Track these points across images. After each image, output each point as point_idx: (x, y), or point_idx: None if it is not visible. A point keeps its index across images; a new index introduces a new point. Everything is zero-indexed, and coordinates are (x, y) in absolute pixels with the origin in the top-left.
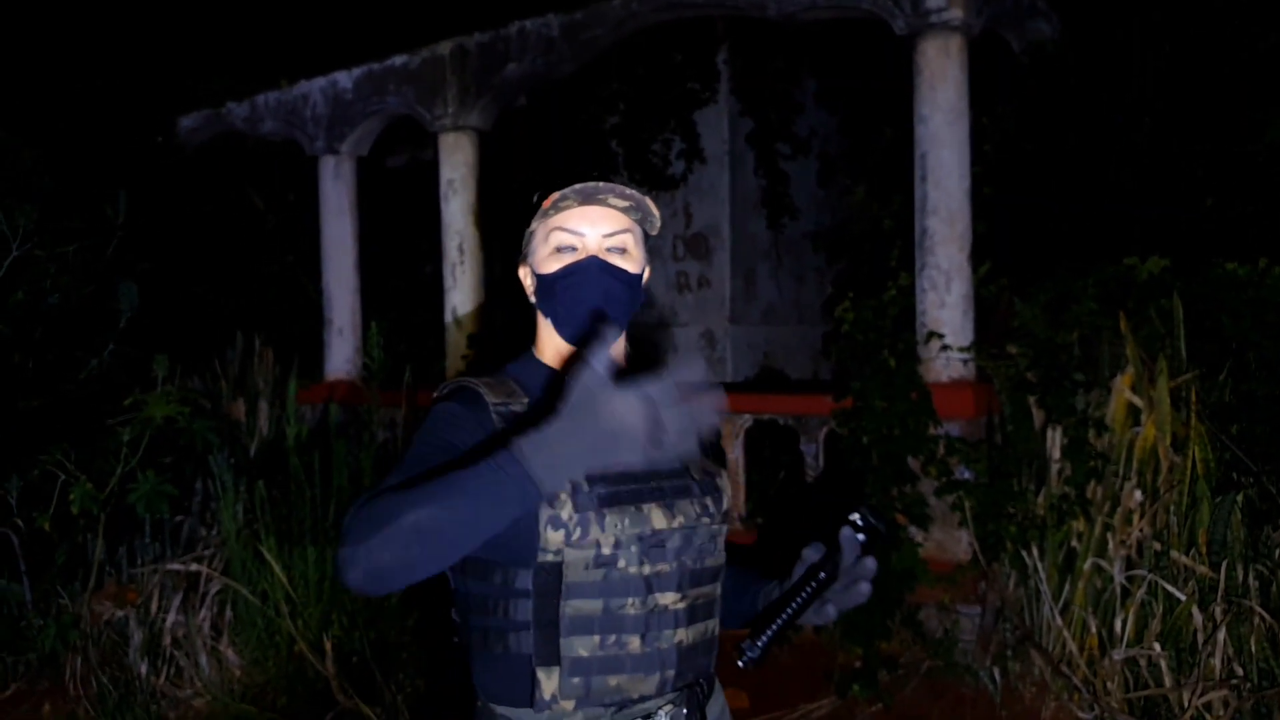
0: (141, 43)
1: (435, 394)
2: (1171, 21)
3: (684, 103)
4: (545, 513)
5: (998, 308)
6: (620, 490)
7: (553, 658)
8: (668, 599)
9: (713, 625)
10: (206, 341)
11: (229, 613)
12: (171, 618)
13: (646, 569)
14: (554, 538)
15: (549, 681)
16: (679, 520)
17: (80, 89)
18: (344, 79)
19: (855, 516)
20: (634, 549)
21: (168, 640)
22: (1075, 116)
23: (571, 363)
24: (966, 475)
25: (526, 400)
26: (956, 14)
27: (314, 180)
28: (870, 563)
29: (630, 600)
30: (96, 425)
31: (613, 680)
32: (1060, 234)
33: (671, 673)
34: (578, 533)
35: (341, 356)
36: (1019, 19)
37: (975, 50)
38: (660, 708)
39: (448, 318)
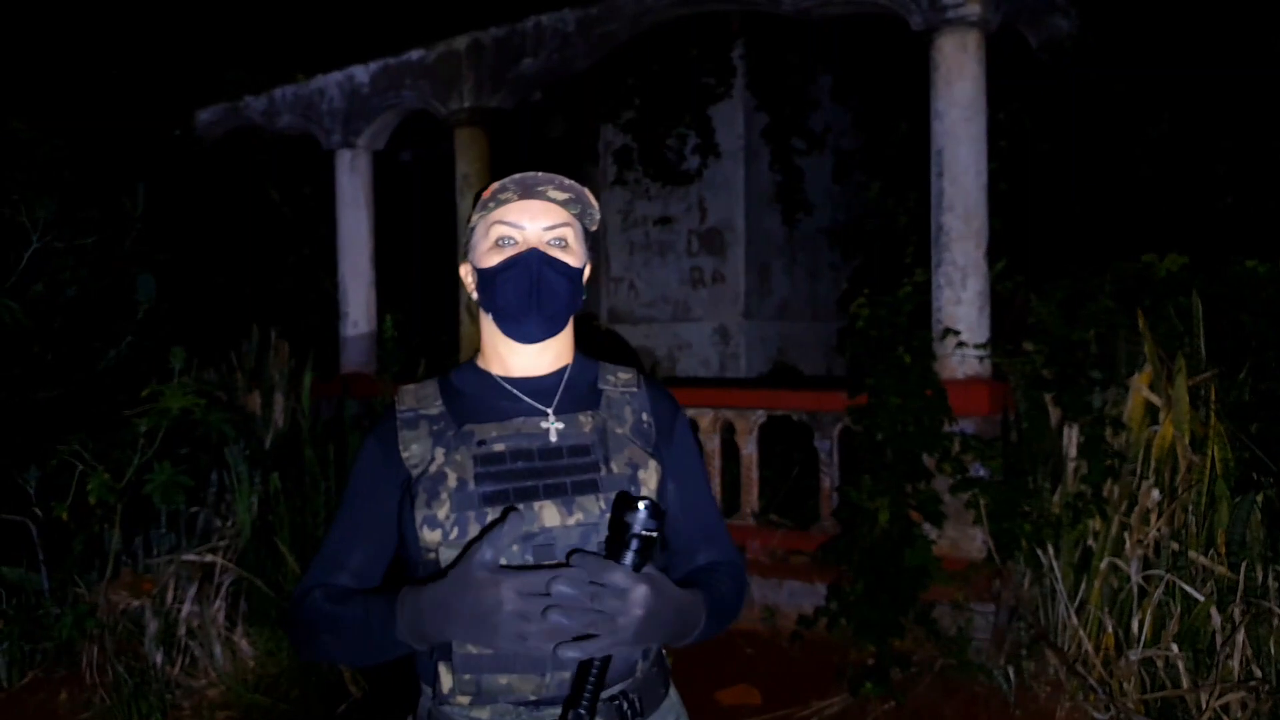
0: (160, 37)
1: None
2: (1191, 17)
3: (699, 98)
4: (421, 512)
5: (1014, 304)
6: (508, 488)
7: (446, 653)
8: None
9: None
10: (222, 333)
11: (243, 603)
12: (186, 608)
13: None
14: (430, 537)
15: (446, 676)
16: (577, 518)
17: (99, 82)
18: (360, 73)
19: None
20: (516, 548)
21: (182, 630)
22: (1093, 112)
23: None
24: (981, 473)
25: (440, 404)
26: (974, 9)
27: (330, 174)
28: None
29: None
30: (114, 416)
31: (503, 679)
32: (1077, 231)
33: (566, 674)
34: (455, 532)
35: (357, 349)
36: (1037, 14)
37: (992, 46)
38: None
39: (462, 311)
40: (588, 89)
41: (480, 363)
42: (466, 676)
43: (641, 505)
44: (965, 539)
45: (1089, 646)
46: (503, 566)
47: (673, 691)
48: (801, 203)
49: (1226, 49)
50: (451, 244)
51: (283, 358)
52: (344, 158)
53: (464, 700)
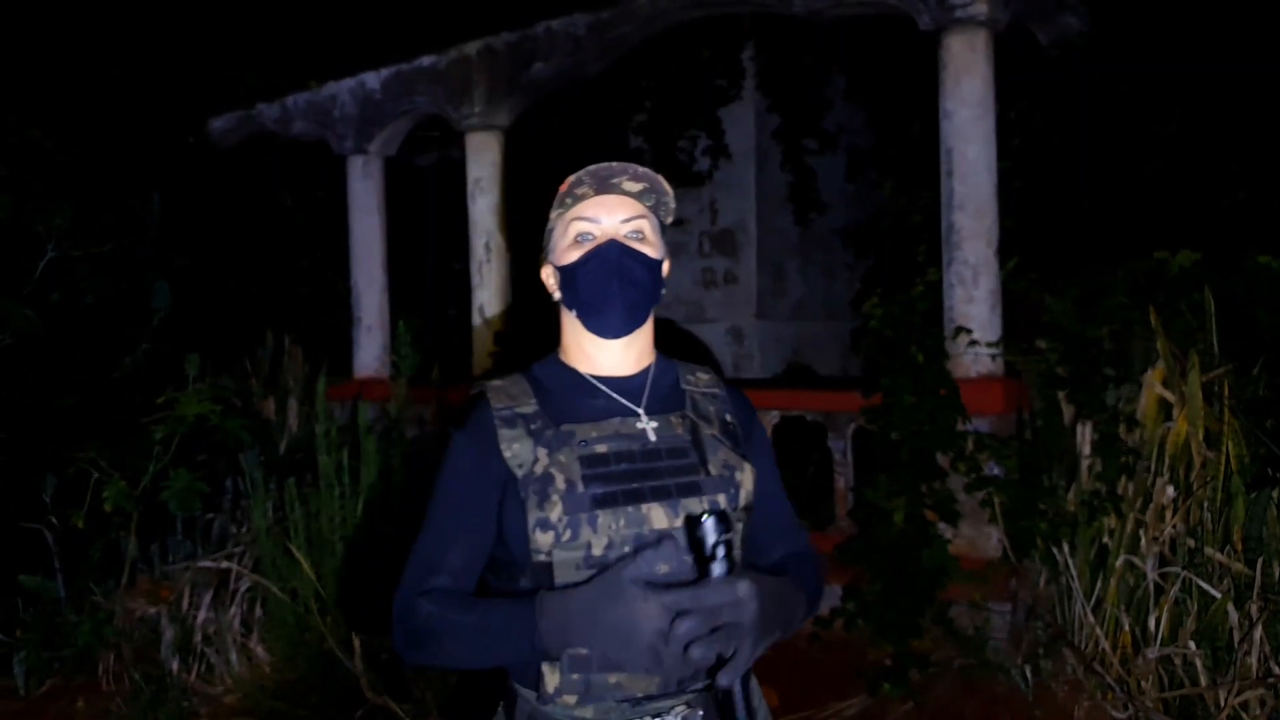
0: (173, 45)
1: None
2: (1201, 14)
3: (710, 99)
4: (533, 515)
5: (1026, 302)
6: (617, 490)
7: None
8: None
9: None
10: (237, 339)
11: (259, 610)
12: (203, 615)
13: None
14: (543, 539)
15: (552, 676)
16: (683, 519)
17: (114, 90)
18: (372, 80)
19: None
20: (629, 549)
21: (199, 637)
22: (1104, 109)
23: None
24: (996, 471)
25: (535, 402)
26: (982, 8)
27: (343, 179)
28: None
29: None
30: (130, 423)
31: (612, 678)
32: (1090, 228)
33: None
34: (567, 534)
35: (370, 354)
36: (1046, 13)
37: (1002, 44)
38: (673, 707)
39: (475, 316)
40: (600, 92)
41: (564, 358)
42: (575, 676)
43: (706, 518)
44: (981, 538)
45: (1106, 645)
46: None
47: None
48: (814, 203)
49: (1238, 45)
50: (464, 248)
51: (297, 363)
52: (356, 163)
53: (570, 699)
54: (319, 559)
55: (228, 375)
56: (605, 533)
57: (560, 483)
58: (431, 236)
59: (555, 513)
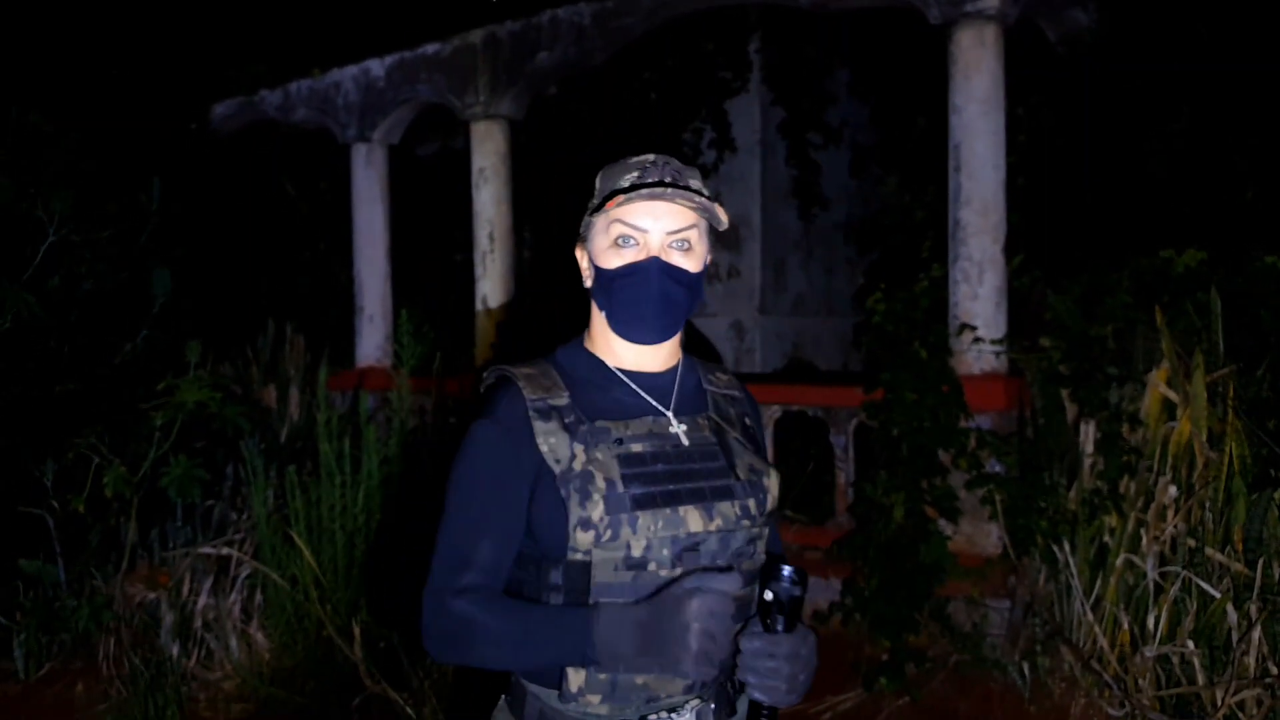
0: (176, 30)
1: (481, 383)
2: (1210, 10)
3: (715, 92)
4: (575, 513)
5: (1031, 300)
6: (656, 491)
7: None
8: None
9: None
10: (239, 327)
11: (259, 597)
12: (202, 601)
13: (678, 572)
14: (584, 538)
15: (576, 675)
16: (717, 523)
17: (115, 76)
18: (376, 67)
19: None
20: (666, 552)
21: (198, 623)
22: (1112, 107)
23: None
24: (997, 468)
25: (567, 394)
26: (992, 3)
27: (346, 168)
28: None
29: None
30: (130, 410)
31: (640, 679)
32: (1095, 226)
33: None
34: (608, 534)
35: (372, 343)
36: (1055, 8)
37: (1010, 40)
38: (687, 702)
39: (478, 305)
40: (604, 83)
41: (590, 347)
42: (602, 677)
43: (786, 569)
44: (981, 535)
45: (1104, 643)
46: (647, 570)
47: None
48: (818, 197)
49: (1247, 43)
50: (467, 238)
51: (298, 352)
52: (359, 152)
53: (594, 699)
54: (319, 547)
55: (228, 363)
56: (644, 534)
57: (600, 481)
58: (434, 226)
59: (597, 512)
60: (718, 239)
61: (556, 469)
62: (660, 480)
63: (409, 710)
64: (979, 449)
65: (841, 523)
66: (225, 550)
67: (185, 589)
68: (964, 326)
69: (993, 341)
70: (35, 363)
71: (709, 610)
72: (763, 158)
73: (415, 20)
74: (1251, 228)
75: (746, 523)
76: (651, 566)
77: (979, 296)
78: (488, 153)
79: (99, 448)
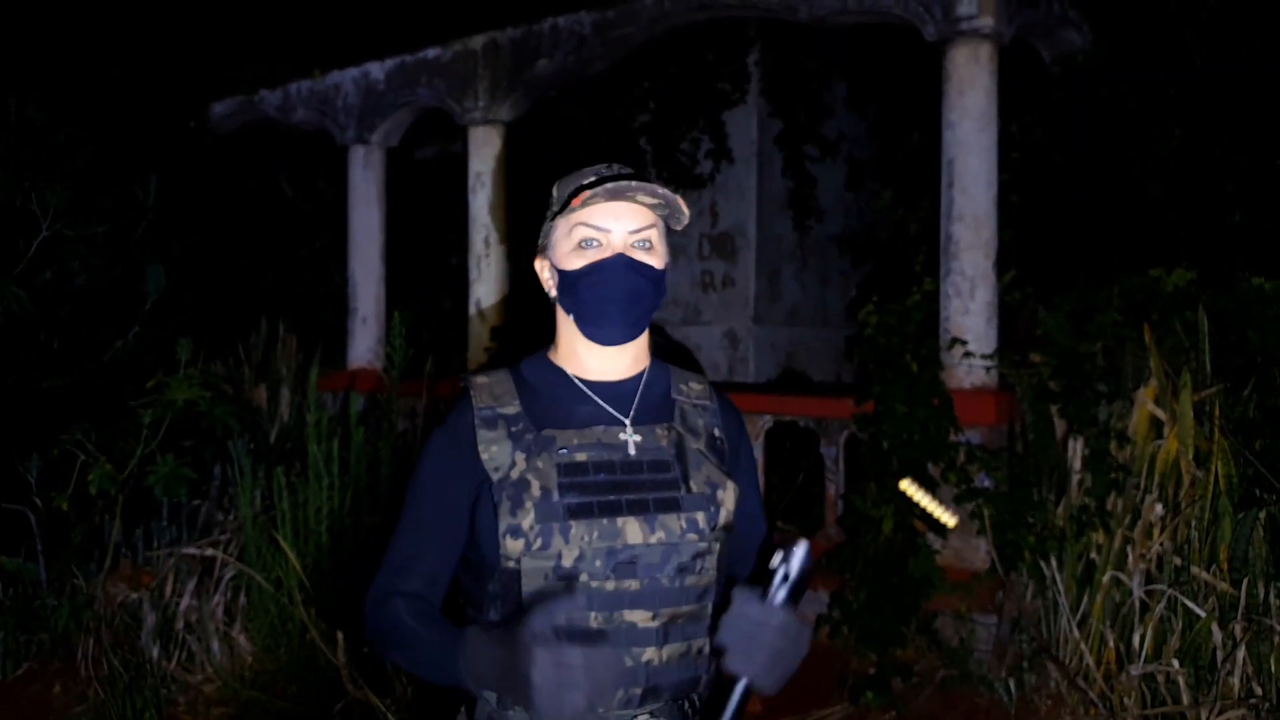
0: (177, 28)
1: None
2: (1202, 34)
3: (714, 102)
4: (505, 520)
5: (1022, 316)
6: (592, 501)
7: None
8: (636, 616)
9: (699, 643)
10: (232, 326)
11: (243, 599)
12: (185, 602)
13: (611, 585)
14: (513, 546)
15: (491, 694)
16: (659, 536)
17: (115, 72)
18: (376, 70)
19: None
20: (600, 563)
21: (181, 624)
22: (1104, 126)
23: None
24: (986, 483)
25: (518, 403)
26: (987, 22)
27: (344, 169)
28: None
29: (593, 615)
30: (118, 406)
31: None
32: (1086, 244)
33: (638, 690)
34: (538, 543)
35: (365, 345)
36: (1050, 28)
37: (1005, 58)
38: (635, 717)
39: (472, 309)
40: (603, 91)
41: (554, 357)
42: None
43: (802, 547)
44: (969, 549)
45: (1090, 660)
46: (579, 581)
47: None
48: (813, 209)
49: (1238, 65)
50: (462, 242)
51: (290, 352)
52: (358, 154)
53: (521, 712)
54: (305, 549)
55: (220, 361)
56: (577, 544)
57: (535, 490)
58: (430, 229)
59: (527, 520)
60: (713, 248)
61: (494, 477)
62: (600, 490)
63: (391, 716)
64: (968, 463)
65: (831, 534)
66: (210, 551)
67: (168, 589)
68: (955, 341)
69: (983, 356)
70: (24, 357)
71: (554, 662)
72: (759, 169)
73: (416, 24)
74: (1239, 249)
75: (693, 536)
76: (584, 578)
77: (970, 311)
78: (485, 158)
79: (85, 444)
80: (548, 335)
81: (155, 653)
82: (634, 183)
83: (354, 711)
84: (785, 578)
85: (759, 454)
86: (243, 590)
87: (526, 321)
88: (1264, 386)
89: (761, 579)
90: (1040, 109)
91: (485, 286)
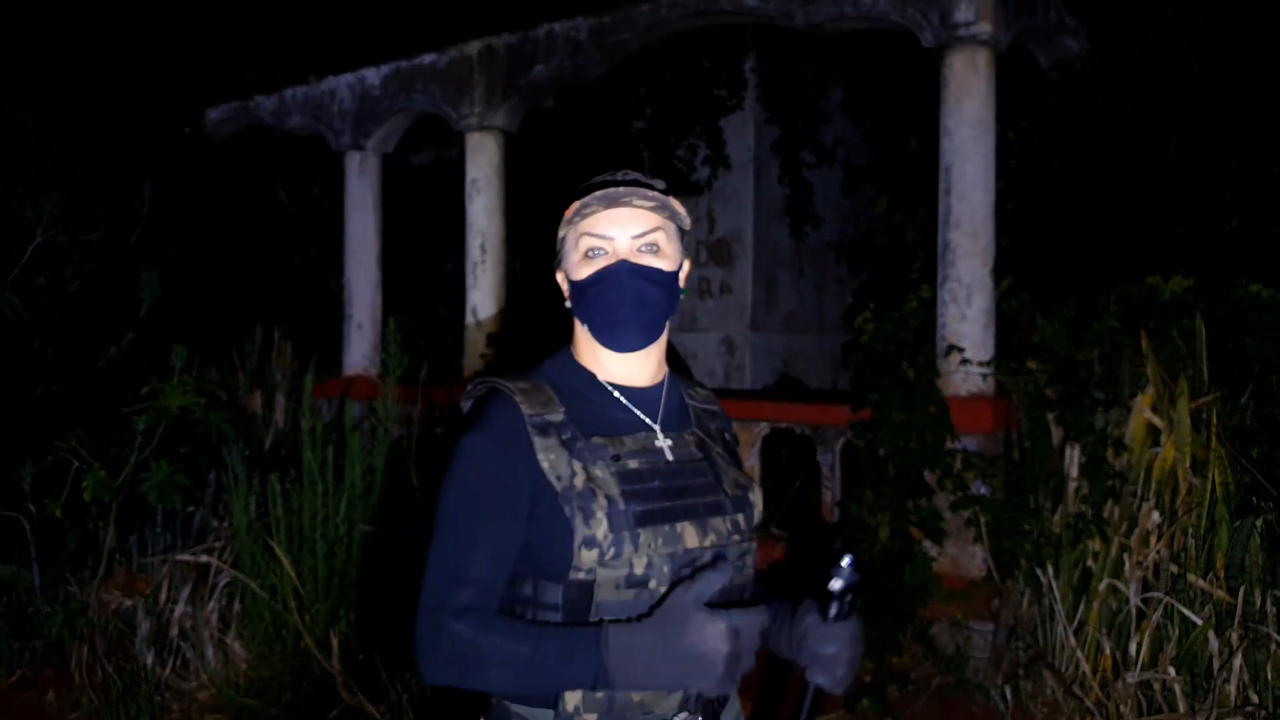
0: (172, 33)
1: (465, 394)
2: (1199, 42)
3: (710, 109)
4: (580, 532)
5: (1019, 323)
6: (654, 509)
7: None
8: None
9: None
10: (226, 332)
11: (237, 606)
12: (180, 609)
13: None
14: (588, 557)
15: (573, 694)
16: (711, 539)
17: (110, 78)
18: (372, 76)
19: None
20: (665, 569)
21: (175, 631)
22: (1101, 134)
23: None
24: (983, 490)
25: (562, 410)
26: (985, 28)
27: (339, 175)
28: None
29: None
30: (112, 413)
31: (636, 696)
32: (1084, 251)
33: (695, 693)
34: (611, 552)
35: (360, 351)
36: (1047, 35)
37: (1003, 65)
38: (676, 716)
39: (468, 316)
40: (600, 97)
41: (578, 358)
42: (599, 695)
43: (847, 561)
44: (965, 557)
45: (1087, 668)
46: (648, 588)
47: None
48: (810, 216)
49: (1235, 72)
50: (458, 248)
51: (285, 358)
52: (353, 160)
53: (591, 717)
54: (300, 556)
55: (215, 368)
56: (645, 552)
57: (602, 499)
58: (425, 236)
59: (601, 530)
60: (710, 255)
61: (558, 486)
62: (658, 497)
63: None
64: (965, 470)
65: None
66: (204, 558)
67: (163, 596)
68: (952, 348)
69: (980, 363)
70: (18, 363)
71: (736, 630)
72: (756, 175)
73: (412, 30)
74: (1236, 256)
75: (737, 537)
76: (652, 584)
77: (967, 318)
78: (481, 164)
79: (79, 451)
80: (545, 341)
81: (149, 660)
82: (624, 189)
83: (349, 719)
84: (843, 593)
85: (755, 461)
86: (237, 597)
87: (523, 328)
88: (1261, 394)
89: (820, 596)
90: (1037, 115)
91: (481, 293)
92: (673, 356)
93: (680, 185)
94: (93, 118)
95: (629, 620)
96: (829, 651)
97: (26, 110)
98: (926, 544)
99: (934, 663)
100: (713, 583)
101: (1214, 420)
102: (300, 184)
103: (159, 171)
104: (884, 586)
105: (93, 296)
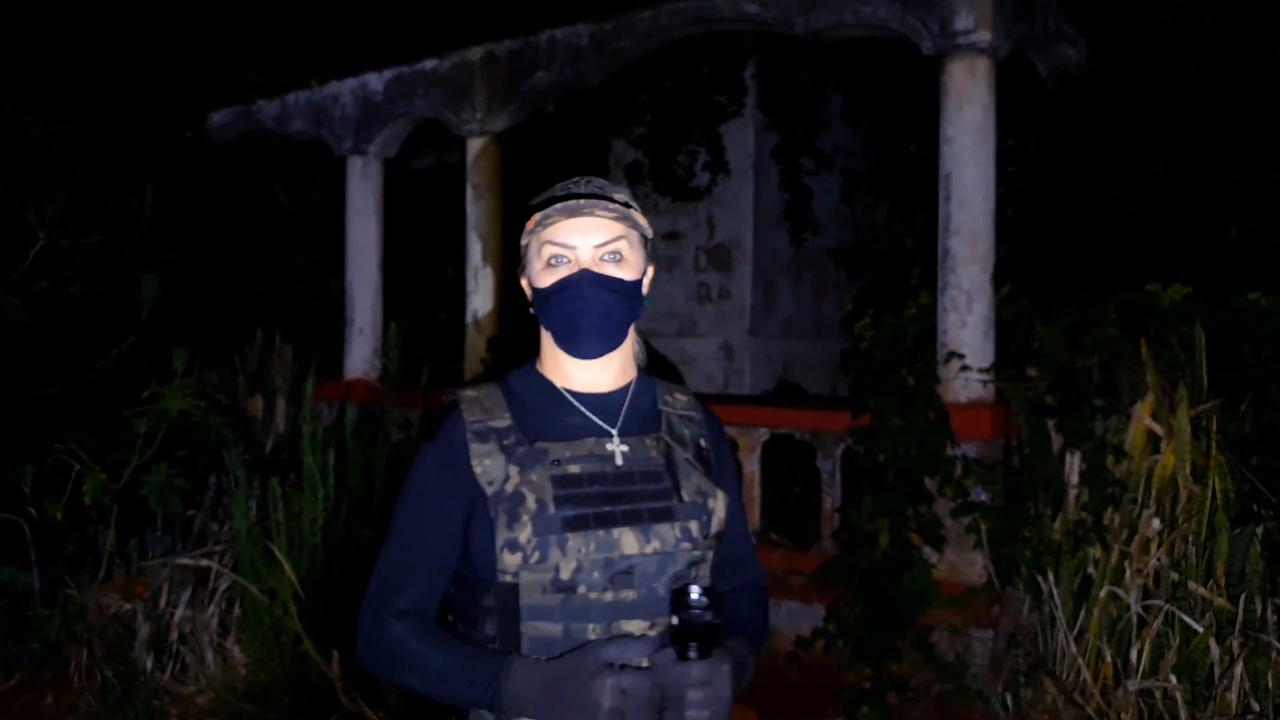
0: (175, 37)
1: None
2: (1198, 49)
3: (710, 115)
4: (502, 535)
5: (1018, 330)
6: (588, 513)
7: None
8: (633, 626)
9: None
10: (227, 336)
11: (237, 610)
12: (179, 613)
13: (610, 596)
14: (511, 560)
15: (488, 714)
16: (654, 546)
17: (112, 82)
18: (374, 81)
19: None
20: (598, 575)
21: (174, 635)
22: (1100, 141)
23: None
24: (983, 497)
25: (509, 416)
26: (984, 36)
27: (341, 179)
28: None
29: (591, 626)
30: (113, 416)
31: None
32: (1083, 258)
33: None
34: (535, 556)
35: (360, 356)
36: (1046, 43)
37: (1002, 73)
38: None
39: (468, 320)
40: (600, 103)
41: (541, 369)
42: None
43: (694, 593)
44: (965, 564)
45: (1087, 676)
46: (577, 593)
47: None
48: (809, 222)
49: (1234, 78)
50: (458, 253)
51: (286, 362)
52: (355, 164)
53: None
54: (300, 560)
55: (215, 371)
56: (574, 556)
57: (531, 503)
58: (427, 239)
59: (524, 534)
60: (709, 260)
61: (489, 491)
62: (594, 501)
63: None
64: (964, 477)
65: (826, 548)
66: (204, 562)
67: (162, 600)
68: (952, 354)
69: (980, 370)
70: (19, 366)
71: (621, 690)
72: (755, 181)
73: (414, 35)
74: (1235, 264)
75: (687, 545)
76: (581, 589)
77: (967, 325)
78: (482, 169)
79: (79, 454)
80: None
81: (148, 663)
82: (584, 200)
83: None
84: (691, 632)
85: (755, 467)
86: (237, 601)
87: (523, 333)
88: (1260, 402)
89: (673, 636)
90: (1037, 123)
91: (481, 297)
92: (662, 364)
93: (680, 191)
94: (93, 118)
95: (539, 659)
96: (684, 695)
97: (28, 112)
98: (926, 550)
99: (933, 670)
100: (627, 651)
101: (1214, 427)
102: (301, 188)
103: (160, 173)
104: (884, 593)
105: (93, 299)
